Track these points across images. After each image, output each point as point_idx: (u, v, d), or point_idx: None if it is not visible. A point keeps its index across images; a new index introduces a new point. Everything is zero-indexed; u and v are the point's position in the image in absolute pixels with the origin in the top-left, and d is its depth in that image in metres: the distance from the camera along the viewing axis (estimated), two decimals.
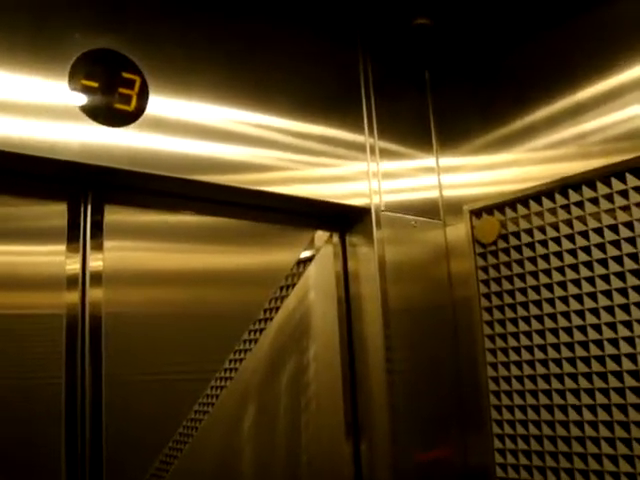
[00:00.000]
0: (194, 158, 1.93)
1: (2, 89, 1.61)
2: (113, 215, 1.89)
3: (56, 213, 1.80)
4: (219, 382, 2.09)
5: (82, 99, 1.73)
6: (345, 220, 2.45)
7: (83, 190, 1.85)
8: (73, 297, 1.78)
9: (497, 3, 2.32)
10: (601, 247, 2.08)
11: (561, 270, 2.19)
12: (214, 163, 1.98)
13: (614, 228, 2.05)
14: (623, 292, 2.02)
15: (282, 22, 2.28)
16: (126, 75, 1.83)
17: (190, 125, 1.94)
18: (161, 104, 1.89)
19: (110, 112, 1.78)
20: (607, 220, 2.07)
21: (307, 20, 2.36)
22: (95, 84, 1.76)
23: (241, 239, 2.18)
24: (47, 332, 1.73)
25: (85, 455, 1.72)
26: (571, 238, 2.17)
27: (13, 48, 1.64)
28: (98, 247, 1.84)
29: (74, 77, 1.73)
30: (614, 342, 2.03)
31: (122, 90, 1.81)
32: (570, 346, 2.14)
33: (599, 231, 2.09)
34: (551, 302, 2.21)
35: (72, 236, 1.81)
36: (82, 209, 1.83)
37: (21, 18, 1.68)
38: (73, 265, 1.79)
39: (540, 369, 2.22)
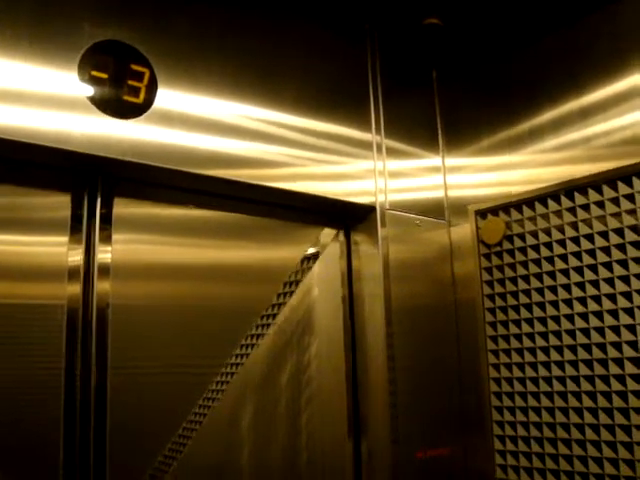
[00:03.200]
0: (201, 152, 1.93)
1: (12, 79, 1.60)
2: (122, 208, 1.88)
3: (64, 204, 1.79)
4: (224, 377, 2.09)
5: (91, 90, 1.73)
6: (350, 218, 2.45)
7: (93, 182, 1.84)
8: (79, 288, 1.77)
9: (507, 5, 2.31)
10: (606, 250, 2.08)
11: (565, 272, 2.19)
12: (220, 158, 1.97)
13: (620, 231, 2.06)
14: (627, 296, 2.02)
15: (292, 18, 2.27)
16: (135, 67, 1.83)
17: (198, 119, 1.94)
18: (170, 97, 1.88)
19: (119, 104, 1.77)
20: (613, 223, 2.07)
21: (317, 17, 2.36)
22: (104, 75, 1.76)
23: (248, 234, 2.18)
24: (49, 323, 1.73)
25: (89, 446, 1.71)
26: (576, 241, 2.17)
27: (23, 39, 1.64)
28: (106, 239, 1.83)
29: (83, 68, 1.72)
30: (617, 345, 2.03)
31: (131, 82, 1.81)
32: (573, 349, 2.14)
33: (604, 234, 2.09)
34: (555, 304, 2.21)
35: (80, 228, 1.80)
36: (90, 201, 1.83)
37: (31, 9, 1.67)
38: (78, 257, 1.79)
39: (542, 371, 2.22)
